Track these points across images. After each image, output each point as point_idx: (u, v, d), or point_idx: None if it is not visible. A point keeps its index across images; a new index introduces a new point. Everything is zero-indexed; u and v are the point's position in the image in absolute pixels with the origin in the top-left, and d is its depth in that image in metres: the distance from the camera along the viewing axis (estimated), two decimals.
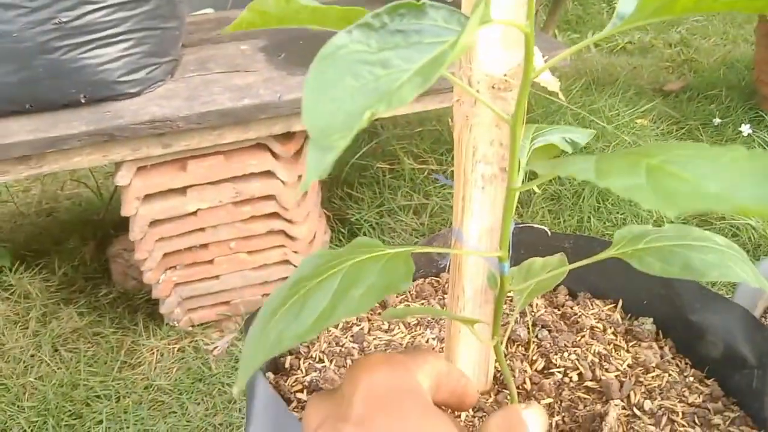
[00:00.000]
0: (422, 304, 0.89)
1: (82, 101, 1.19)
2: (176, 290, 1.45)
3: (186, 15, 1.41)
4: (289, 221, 1.40)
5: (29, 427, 1.30)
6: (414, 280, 0.92)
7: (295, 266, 1.47)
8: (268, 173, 1.34)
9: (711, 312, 0.76)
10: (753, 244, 1.47)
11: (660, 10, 0.37)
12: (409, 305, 0.88)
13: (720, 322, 0.75)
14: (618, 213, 1.59)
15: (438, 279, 0.92)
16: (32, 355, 1.45)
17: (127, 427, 1.28)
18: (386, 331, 0.83)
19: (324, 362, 0.77)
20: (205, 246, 1.41)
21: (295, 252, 1.46)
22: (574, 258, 0.75)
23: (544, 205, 1.62)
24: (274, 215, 1.39)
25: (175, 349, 1.45)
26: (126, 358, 1.45)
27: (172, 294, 1.45)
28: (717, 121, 2.02)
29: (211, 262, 1.43)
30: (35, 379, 1.40)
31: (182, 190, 1.32)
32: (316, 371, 0.75)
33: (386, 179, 1.72)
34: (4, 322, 1.51)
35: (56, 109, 1.20)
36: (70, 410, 1.32)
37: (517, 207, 1.66)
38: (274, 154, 1.34)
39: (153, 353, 1.44)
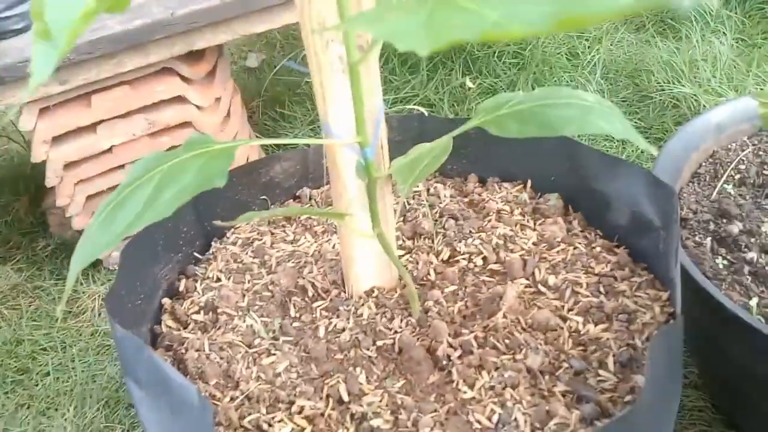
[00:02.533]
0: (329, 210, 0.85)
1: None
2: None
3: None
4: None
5: None
6: (319, 187, 0.88)
7: None
8: (180, 99, 1.27)
9: (614, 179, 0.73)
10: (693, 112, 1.44)
11: None
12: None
13: (623, 187, 0.72)
14: None
15: None
16: None
17: (75, 375, 1.26)
18: (291, 242, 0.80)
19: (221, 281, 0.74)
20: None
21: None
22: (462, 140, 0.70)
23: (480, 100, 1.57)
24: None
25: None
26: (69, 308, 1.42)
27: None
28: None
29: None
30: None
31: (92, 128, 1.25)
32: (212, 290, 0.72)
33: None
34: None
35: None
36: (15, 366, 1.30)
37: (452, 105, 1.61)
38: (183, 78, 1.27)
39: (95, 299, 1.41)
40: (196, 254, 0.78)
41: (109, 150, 1.28)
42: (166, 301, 0.72)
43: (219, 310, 0.69)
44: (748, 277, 0.83)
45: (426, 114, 0.80)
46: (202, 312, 0.70)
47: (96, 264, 1.47)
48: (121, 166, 1.31)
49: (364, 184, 0.59)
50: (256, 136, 1.59)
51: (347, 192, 0.64)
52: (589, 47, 1.71)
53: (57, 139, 1.24)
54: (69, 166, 1.27)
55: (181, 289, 0.74)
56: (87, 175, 1.29)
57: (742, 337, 0.76)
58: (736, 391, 0.89)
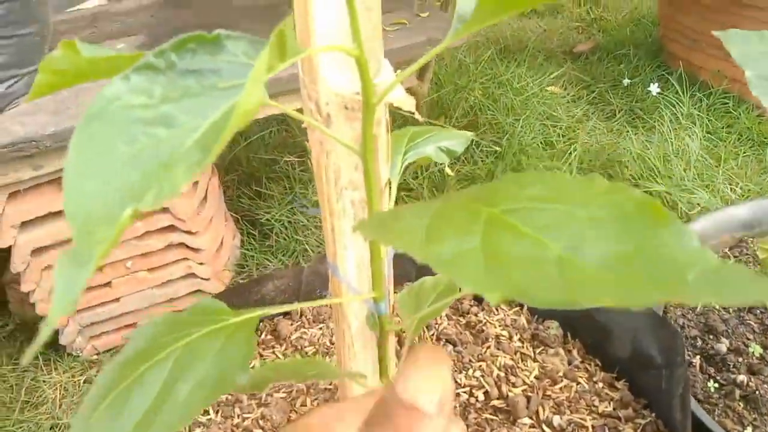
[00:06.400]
0: (320, 328, 0.82)
1: None
2: (74, 318, 1.34)
3: (50, 16, 1.27)
4: (189, 232, 1.31)
5: None
6: (311, 299, 0.85)
7: (202, 279, 1.38)
8: None
9: (616, 311, 0.72)
10: (667, 208, 1.47)
11: (499, 9, 0.31)
12: (305, 332, 0.82)
13: (626, 321, 0.72)
14: None
15: None
16: None
17: None
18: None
19: (208, 413, 0.70)
20: (99, 269, 1.30)
21: (201, 264, 1.36)
22: None
23: (459, 186, 1.58)
24: (171, 228, 1.29)
25: (81, 382, 1.35)
26: (27, 398, 1.33)
27: (70, 323, 1.34)
28: (626, 81, 2.01)
29: (108, 284, 1.33)
30: None
31: (62, 213, 1.20)
32: (199, 426, 0.68)
33: (296, 173, 1.63)
34: None
35: None
36: None
37: (432, 190, 1.61)
38: None
39: (56, 389, 1.33)
40: None
41: None
42: None
43: None
44: (740, 402, 0.83)
45: None
46: None
47: (58, 349, 1.39)
48: None
49: (374, 333, 0.56)
50: (232, 215, 1.56)
51: (350, 330, 0.61)
52: (563, 135, 1.75)
53: (26, 224, 1.19)
54: (36, 251, 1.22)
55: None
56: (54, 261, 1.23)
57: None
58: None
